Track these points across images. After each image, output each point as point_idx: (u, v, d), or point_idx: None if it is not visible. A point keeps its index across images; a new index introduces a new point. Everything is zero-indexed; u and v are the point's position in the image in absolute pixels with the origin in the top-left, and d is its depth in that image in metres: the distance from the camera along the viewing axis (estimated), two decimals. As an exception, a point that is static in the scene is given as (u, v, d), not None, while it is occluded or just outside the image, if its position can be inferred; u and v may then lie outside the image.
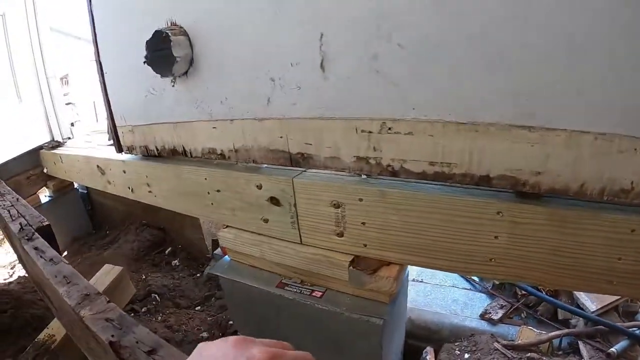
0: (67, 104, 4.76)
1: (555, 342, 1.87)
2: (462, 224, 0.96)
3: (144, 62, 1.28)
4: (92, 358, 1.03)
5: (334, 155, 1.08)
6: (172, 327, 1.86)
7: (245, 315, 1.52)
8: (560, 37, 0.71)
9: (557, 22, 0.71)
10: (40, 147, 3.00)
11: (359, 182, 1.11)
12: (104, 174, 2.19)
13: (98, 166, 2.21)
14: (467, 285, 2.20)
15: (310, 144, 1.10)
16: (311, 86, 1.04)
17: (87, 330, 0.82)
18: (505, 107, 0.81)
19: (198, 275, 2.20)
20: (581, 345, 1.84)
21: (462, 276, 2.26)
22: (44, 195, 3.27)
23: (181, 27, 1.24)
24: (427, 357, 1.81)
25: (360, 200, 1.09)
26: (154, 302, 2.01)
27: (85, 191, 3.40)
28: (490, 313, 1.98)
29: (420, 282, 2.24)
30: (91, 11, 1.57)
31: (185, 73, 1.30)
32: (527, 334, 1.86)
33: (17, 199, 1.77)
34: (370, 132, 1.01)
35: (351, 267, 1.18)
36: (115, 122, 1.79)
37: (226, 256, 1.53)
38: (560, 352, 1.87)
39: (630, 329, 1.83)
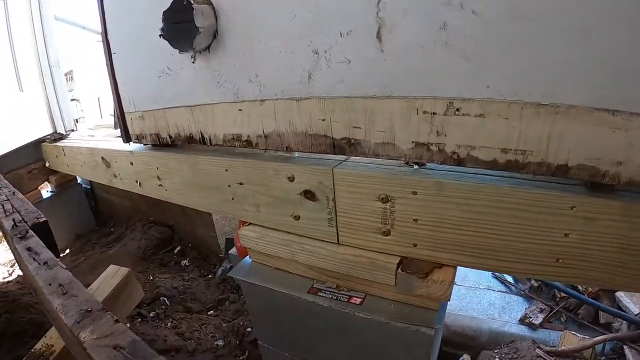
0: (71, 100, 4.59)
1: (598, 347, 1.71)
2: (531, 220, 0.82)
3: (160, 36, 1.10)
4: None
5: (387, 141, 0.91)
6: (184, 335, 1.68)
7: (269, 324, 1.34)
8: None
9: None
10: (42, 140, 2.82)
11: (413, 173, 0.93)
12: (110, 167, 2.01)
13: (103, 158, 2.03)
14: (503, 288, 2.03)
15: (359, 128, 0.92)
16: (364, 59, 0.86)
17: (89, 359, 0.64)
18: (590, 87, 0.69)
19: (210, 276, 2.03)
20: (626, 350, 1.68)
21: (496, 278, 2.09)
22: (46, 191, 3.09)
23: (205, -6, 1.07)
24: (463, 367, 1.65)
25: (414, 193, 0.92)
26: (163, 307, 1.83)
27: (89, 186, 3.22)
28: (530, 317, 1.81)
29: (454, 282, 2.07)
30: (99, -18, 1.40)
31: (208, 47, 1.13)
32: (570, 339, 1.69)
33: (14, 193, 1.59)
34: (433, 113, 0.84)
35: (400, 270, 1.00)
36: (124, 108, 1.61)
37: (247, 257, 1.35)
38: (603, 358, 1.71)
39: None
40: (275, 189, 1.12)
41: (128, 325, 1.81)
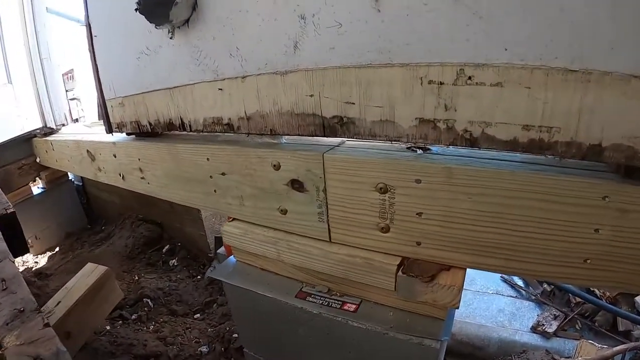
0: (71, 99, 4.48)
1: (617, 357, 1.55)
2: (556, 213, 0.69)
3: (136, 10, 0.97)
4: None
5: (386, 119, 0.77)
6: (166, 339, 1.54)
7: (253, 331, 1.20)
8: None
9: None
10: (34, 135, 2.70)
11: (417, 158, 0.79)
12: (94, 160, 1.88)
13: (88, 151, 1.90)
14: (513, 293, 1.87)
15: (353, 104, 0.78)
16: (358, 22, 0.73)
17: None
18: (628, 50, 0.56)
19: (198, 277, 1.89)
20: (648, 362, 1.52)
21: (505, 281, 1.93)
22: (37, 187, 2.96)
23: (180, -44, 0.93)
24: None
25: (418, 182, 0.78)
26: (146, 308, 1.69)
27: (81, 183, 3.09)
28: (543, 325, 1.64)
29: (463, 286, 1.91)
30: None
31: (187, 21, 0.99)
32: (587, 348, 1.53)
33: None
34: (441, 83, 0.70)
35: (401, 273, 0.86)
36: (104, 95, 1.48)
37: (231, 256, 1.21)
38: (623, 370, 1.55)
39: None
40: (260, 179, 0.98)
41: (108, 327, 1.67)
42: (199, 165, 1.13)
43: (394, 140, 0.78)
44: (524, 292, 1.86)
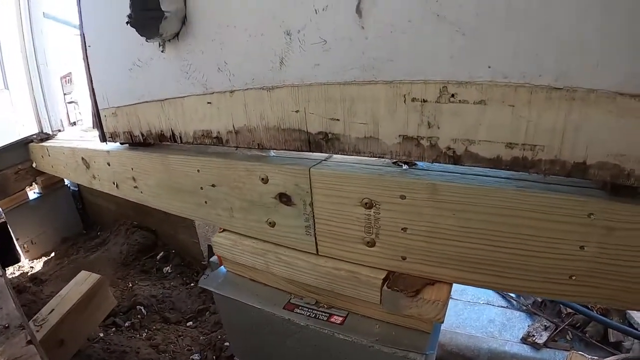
0: (69, 102, 4.49)
1: (606, 370, 1.55)
2: (540, 230, 0.69)
3: (127, 23, 0.97)
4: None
5: (370, 135, 0.77)
6: (159, 347, 1.54)
7: (244, 341, 1.20)
8: None
9: None
10: (30, 140, 2.70)
11: (401, 174, 0.80)
12: (89, 168, 1.88)
13: (83, 158, 1.91)
14: (504, 303, 1.87)
15: (338, 120, 0.78)
16: (342, 39, 0.73)
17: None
18: (615, 67, 0.55)
19: (192, 284, 1.88)
20: (638, 374, 1.51)
21: (497, 292, 1.93)
22: (33, 192, 2.96)
23: (170, -28, 0.94)
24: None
25: (403, 197, 0.78)
26: (139, 316, 1.69)
27: (77, 189, 3.09)
28: (533, 336, 1.64)
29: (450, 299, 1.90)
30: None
31: (177, 35, 1.00)
32: (578, 360, 1.53)
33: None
34: (424, 100, 0.70)
35: (386, 287, 0.86)
36: (98, 105, 1.48)
37: (222, 267, 1.21)
38: (613, 381, 1.55)
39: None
40: (249, 191, 0.98)
41: (101, 334, 1.67)
42: (190, 176, 1.13)
43: (379, 157, 0.79)
44: (514, 302, 1.86)
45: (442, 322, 0.87)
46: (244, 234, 1.07)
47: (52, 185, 2.89)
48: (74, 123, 3.97)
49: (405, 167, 0.84)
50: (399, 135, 0.75)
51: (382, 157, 0.79)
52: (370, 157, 0.80)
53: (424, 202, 0.77)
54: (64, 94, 4.25)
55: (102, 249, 2.34)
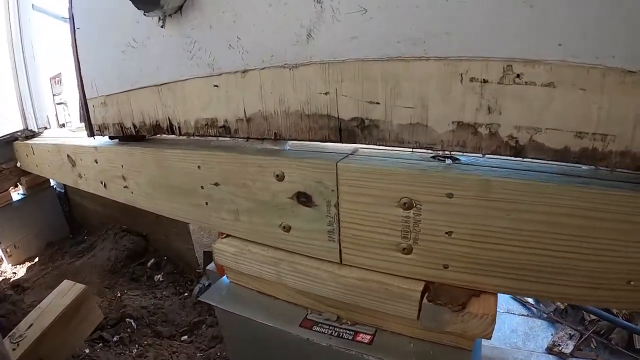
0: (58, 103, 4.29)
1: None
2: (602, 230, 0.58)
3: (121, -6, 0.83)
4: None
5: (417, 122, 0.64)
6: (150, 365, 1.37)
7: (248, 362, 1.04)
8: None
9: None
10: (15, 138, 2.52)
11: (447, 169, 0.66)
12: (75, 166, 1.71)
13: (68, 156, 1.74)
14: (524, 311, 1.73)
15: (377, 104, 0.64)
16: (387, 6, 0.59)
17: None
18: None
19: (186, 294, 1.72)
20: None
21: (516, 299, 1.80)
22: (17, 193, 2.77)
23: None
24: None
25: (450, 196, 0.65)
26: (129, 329, 1.52)
27: (63, 190, 2.90)
28: (559, 345, 1.50)
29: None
30: None
31: (180, 9, 0.85)
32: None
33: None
34: (484, 81, 0.58)
35: (426, 300, 0.71)
36: (86, 94, 1.33)
37: (224, 277, 1.06)
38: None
39: None
40: (259, 191, 0.83)
41: (87, 350, 1.49)
42: (189, 173, 0.98)
43: (426, 147, 0.65)
44: (535, 309, 1.73)
45: (490, 339, 0.73)
46: (251, 239, 0.92)
47: (37, 185, 2.70)
48: (63, 125, 3.79)
49: (448, 161, 0.71)
50: (453, 122, 0.61)
51: (431, 148, 0.65)
52: (415, 148, 0.66)
53: (474, 202, 0.64)
54: (53, 95, 4.07)
55: (89, 255, 2.16)
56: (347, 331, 0.83)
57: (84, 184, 1.67)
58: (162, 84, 0.97)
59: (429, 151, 0.68)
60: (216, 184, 0.91)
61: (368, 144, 0.67)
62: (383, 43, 0.61)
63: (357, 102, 0.65)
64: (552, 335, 1.59)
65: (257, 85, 0.76)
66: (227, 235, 0.97)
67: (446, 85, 0.60)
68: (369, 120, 0.66)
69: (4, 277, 2.45)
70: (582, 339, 1.57)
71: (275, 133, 0.76)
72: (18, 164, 2.58)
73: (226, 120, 0.84)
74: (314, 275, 0.82)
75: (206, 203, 0.97)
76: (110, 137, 1.35)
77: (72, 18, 1.24)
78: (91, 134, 1.41)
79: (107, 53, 1.13)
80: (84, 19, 1.19)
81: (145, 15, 0.88)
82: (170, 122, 0.99)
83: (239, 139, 0.86)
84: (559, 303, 1.73)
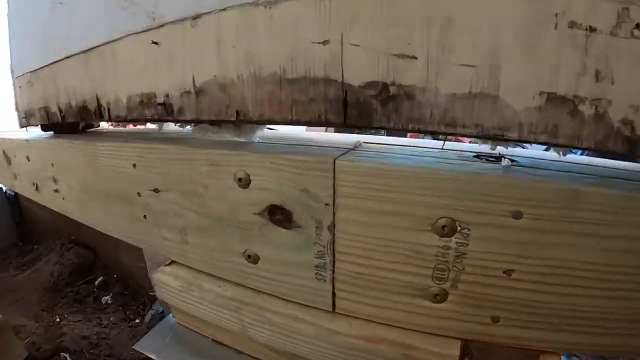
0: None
1: None
2: None
3: None
4: None
5: (480, 90, 0.36)
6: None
7: None
8: None
9: None
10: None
11: (511, 174, 0.39)
12: (10, 164, 1.39)
13: (4, 152, 1.41)
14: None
15: (414, 59, 0.36)
16: None
17: None
18: None
19: (137, 321, 1.39)
20: None
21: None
22: (-40, 195, 2.37)
23: None
24: None
25: (517, 216, 0.38)
26: (61, 367, 1.19)
27: (13, 193, 2.52)
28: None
29: None
30: None
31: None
32: None
33: None
34: (591, 29, 0.31)
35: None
36: (13, 72, 1.02)
37: (171, 315, 0.75)
38: None
39: None
40: (214, 202, 0.54)
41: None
42: (122, 174, 0.68)
43: (495, 135, 0.38)
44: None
45: None
46: (204, 271, 0.62)
47: (-17, 187, 2.32)
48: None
49: (505, 161, 0.44)
50: (541, 94, 0.34)
51: (500, 137, 0.38)
52: (472, 135, 0.38)
53: (554, 224, 0.38)
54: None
55: (33, 268, 1.80)
56: (340, 412, 0.55)
57: (18, 185, 1.36)
58: (90, 49, 0.68)
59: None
60: (155, 190, 0.62)
61: (393, 126, 0.39)
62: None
63: (378, 57, 0.37)
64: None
65: (214, 36, 0.47)
66: (172, 262, 0.68)
67: (531, 31, 0.33)
68: (397, 87, 0.38)
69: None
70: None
71: (237, 111, 0.47)
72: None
73: (167, 95, 0.55)
74: (292, 330, 0.53)
75: (144, 216, 0.67)
76: (43, 128, 1.04)
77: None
78: (20, 123, 1.10)
79: (35, 17, 0.83)
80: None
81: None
82: (98, 102, 0.69)
83: (186, 123, 0.57)
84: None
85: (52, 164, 0.95)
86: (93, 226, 0.90)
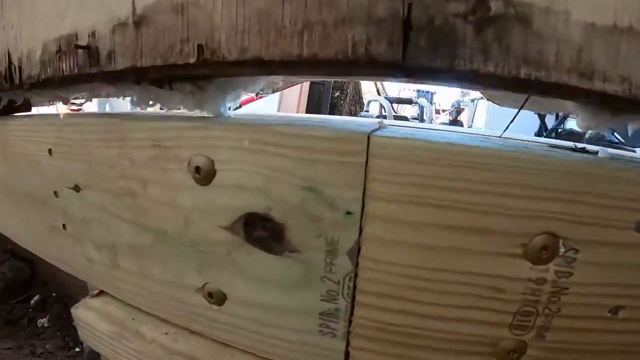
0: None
1: None
2: None
3: None
4: None
5: (629, 25, 0.18)
6: None
7: None
8: None
9: None
10: None
11: (628, 166, 0.21)
12: None
13: None
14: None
15: None
16: None
17: None
18: None
19: (77, 350, 1.12)
20: None
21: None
22: None
23: None
24: None
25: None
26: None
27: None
28: None
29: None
30: None
31: None
32: None
33: None
34: None
35: None
36: None
37: None
38: None
39: None
40: (156, 205, 0.32)
41: None
42: (37, 165, 0.45)
43: None
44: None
45: None
46: (144, 309, 0.41)
47: None
48: None
49: (606, 153, 0.27)
50: None
51: None
52: (619, 92, 0.20)
53: None
54: None
55: (-39, 282, 1.49)
56: None
57: None
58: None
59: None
60: (76, 188, 0.40)
61: (494, 70, 0.20)
62: None
63: None
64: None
65: None
66: (101, 293, 0.45)
67: None
68: (503, 3, 0.19)
69: None
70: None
71: (200, 46, 0.26)
72: None
73: (93, 34, 0.33)
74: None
75: (63, 226, 0.45)
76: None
77: None
78: None
79: None
80: None
81: None
82: (9, 59, 0.47)
83: (119, 81, 0.36)
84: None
85: (-37, 155, 0.71)
86: (12, 237, 0.67)
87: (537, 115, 2.18)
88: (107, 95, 0.39)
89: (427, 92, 5.33)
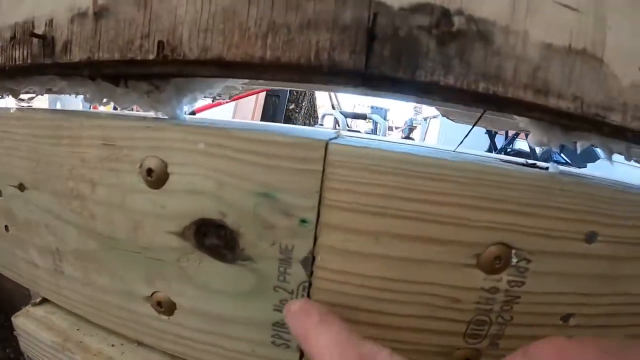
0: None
1: None
2: None
3: None
4: None
5: (582, 47, 0.18)
6: None
7: None
8: None
9: None
10: None
11: (581, 180, 0.22)
12: None
13: None
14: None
15: None
16: None
17: None
18: None
19: (25, 361, 1.03)
20: None
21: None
22: None
23: None
24: None
25: (591, 239, 0.23)
26: None
27: None
28: None
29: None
30: None
31: None
32: None
33: None
34: None
35: None
36: None
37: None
38: None
39: None
40: (104, 209, 0.29)
41: None
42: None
43: (595, 116, 0.20)
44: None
45: None
46: (89, 318, 0.37)
47: None
48: None
49: (555, 167, 0.27)
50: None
51: (604, 118, 0.20)
52: (572, 110, 0.20)
53: (629, 249, 0.22)
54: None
55: None
56: None
57: None
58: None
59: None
60: (21, 187, 0.36)
61: (453, 83, 0.19)
62: None
63: None
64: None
65: None
66: (43, 301, 0.41)
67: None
68: (465, 19, 0.18)
69: None
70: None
71: (161, 43, 0.24)
72: None
73: (50, 22, 0.30)
74: None
75: (6, 227, 0.41)
76: None
77: None
78: None
79: None
80: None
81: None
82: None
83: (73, 73, 0.33)
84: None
85: None
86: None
87: (487, 135, 2.26)
88: (60, 92, 0.36)
89: (381, 108, 5.18)
